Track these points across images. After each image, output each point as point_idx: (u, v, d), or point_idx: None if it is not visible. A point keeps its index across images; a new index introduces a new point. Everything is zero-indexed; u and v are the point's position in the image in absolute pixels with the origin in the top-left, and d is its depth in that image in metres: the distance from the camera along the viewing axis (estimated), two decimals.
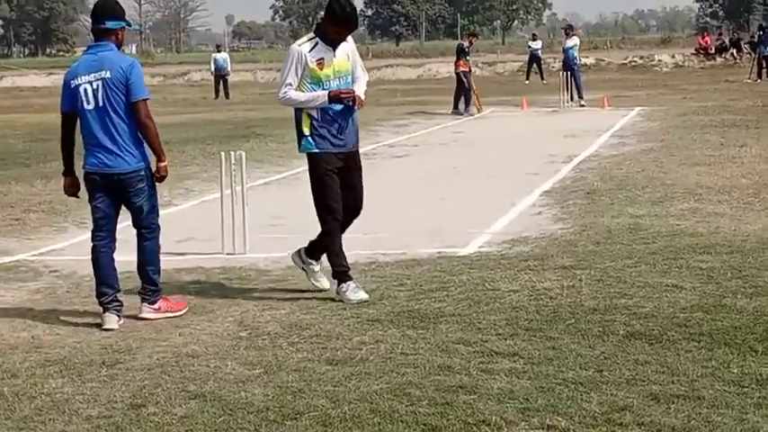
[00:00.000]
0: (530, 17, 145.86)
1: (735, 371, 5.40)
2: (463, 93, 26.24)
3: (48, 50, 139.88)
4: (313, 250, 7.72)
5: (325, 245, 7.56)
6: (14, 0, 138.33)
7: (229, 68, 38.81)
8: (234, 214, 9.34)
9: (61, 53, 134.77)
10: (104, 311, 6.97)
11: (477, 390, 5.24)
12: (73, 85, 6.95)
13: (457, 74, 26.71)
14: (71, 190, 7.27)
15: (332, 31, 7.33)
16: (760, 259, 8.05)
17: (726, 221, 9.78)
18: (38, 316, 7.23)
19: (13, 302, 7.69)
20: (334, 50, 7.34)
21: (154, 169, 7.11)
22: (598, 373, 5.44)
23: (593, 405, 4.96)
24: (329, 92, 7.31)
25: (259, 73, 57.21)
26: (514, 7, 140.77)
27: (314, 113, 7.38)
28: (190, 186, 13.81)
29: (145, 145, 7.05)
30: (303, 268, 7.78)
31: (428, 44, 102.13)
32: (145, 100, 6.95)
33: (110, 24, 7.01)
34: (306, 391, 5.33)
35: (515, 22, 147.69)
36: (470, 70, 27.04)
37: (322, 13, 7.68)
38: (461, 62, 26.62)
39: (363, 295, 7.34)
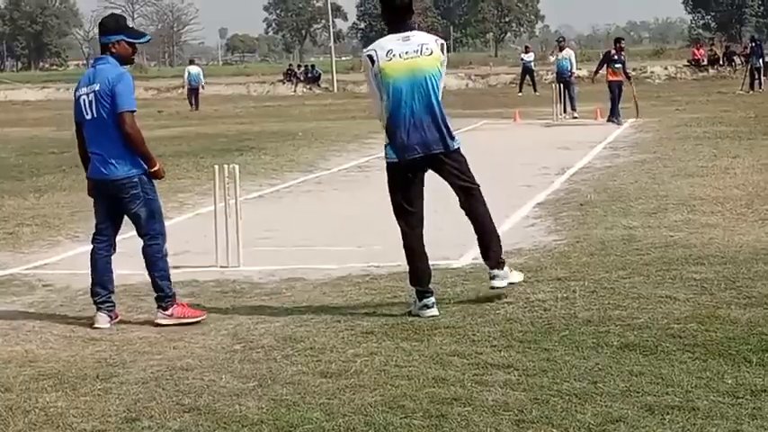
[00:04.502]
0: (522, 29, 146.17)
1: (729, 381, 5.40)
2: (611, 102, 25.39)
3: (41, 64, 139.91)
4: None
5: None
6: (7, 14, 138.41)
7: (199, 82, 39.74)
8: (228, 227, 9.33)
9: (54, 67, 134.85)
10: (97, 311, 7.32)
11: (472, 402, 5.24)
12: (76, 96, 7.37)
13: (608, 83, 25.77)
14: (91, 192, 7.54)
15: None
16: (753, 270, 8.06)
17: (719, 232, 9.80)
18: (31, 330, 7.22)
19: (7, 316, 7.67)
20: None
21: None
22: (593, 384, 5.44)
23: (587, 417, 4.96)
24: None
25: (252, 86, 57.27)
26: (507, 20, 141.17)
27: None
28: (184, 200, 13.79)
29: None
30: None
31: None
32: (131, 112, 7.18)
33: (103, 39, 7.39)
34: (300, 404, 5.32)
35: (508, 34, 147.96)
36: (625, 79, 26.02)
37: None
38: (609, 71, 25.77)
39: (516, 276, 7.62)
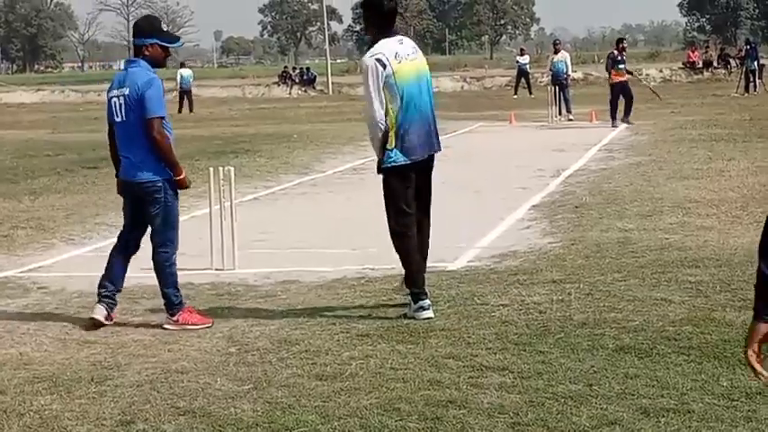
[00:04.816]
0: (518, 32, 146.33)
1: (724, 384, 5.41)
2: (610, 104, 25.04)
3: (36, 67, 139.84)
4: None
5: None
6: (2, 16, 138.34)
7: (190, 84, 40.20)
8: (223, 230, 9.32)
9: (49, 69, 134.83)
10: (97, 302, 7.37)
11: (467, 404, 5.24)
12: (108, 98, 7.42)
13: (611, 85, 25.46)
14: (120, 191, 7.62)
15: None
16: (748, 272, 8.06)
17: (714, 235, 9.81)
18: (26, 333, 7.21)
19: (1, 319, 7.66)
20: None
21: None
22: (588, 387, 5.44)
23: (583, 419, 4.96)
24: None
25: (247, 88, 57.25)
26: (502, 22, 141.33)
27: None
28: (179, 202, 13.76)
29: None
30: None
31: None
32: (159, 117, 7.20)
33: (137, 42, 7.43)
34: (295, 407, 5.32)
35: (503, 36, 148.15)
36: (628, 77, 25.57)
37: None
38: (612, 72, 25.37)
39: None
